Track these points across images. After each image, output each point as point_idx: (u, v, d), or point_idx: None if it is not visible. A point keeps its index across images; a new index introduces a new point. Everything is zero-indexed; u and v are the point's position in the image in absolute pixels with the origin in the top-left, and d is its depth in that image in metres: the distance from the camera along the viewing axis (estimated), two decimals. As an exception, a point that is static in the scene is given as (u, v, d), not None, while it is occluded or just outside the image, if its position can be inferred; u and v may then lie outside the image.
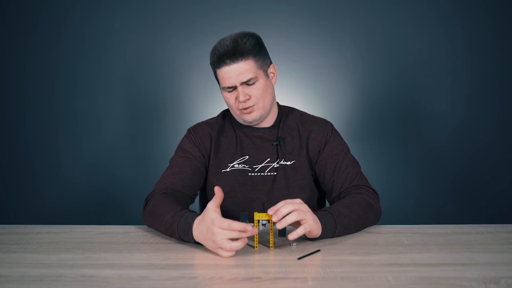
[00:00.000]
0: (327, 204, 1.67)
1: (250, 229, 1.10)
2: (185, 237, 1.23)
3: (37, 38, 2.78)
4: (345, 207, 1.35)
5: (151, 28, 2.79)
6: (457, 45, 2.74)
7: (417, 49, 2.75)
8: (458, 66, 2.75)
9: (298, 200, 1.21)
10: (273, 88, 1.56)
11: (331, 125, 1.61)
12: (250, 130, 1.58)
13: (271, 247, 1.21)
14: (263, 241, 1.28)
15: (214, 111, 1.75)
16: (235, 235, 1.11)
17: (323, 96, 2.80)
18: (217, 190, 1.15)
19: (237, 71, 1.44)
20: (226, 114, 1.65)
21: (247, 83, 1.46)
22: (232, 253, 1.13)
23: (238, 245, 1.11)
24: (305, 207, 1.20)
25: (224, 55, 1.44)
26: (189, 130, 1.62)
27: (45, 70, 2.79)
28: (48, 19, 2.78)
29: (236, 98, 1.48)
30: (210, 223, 1.13)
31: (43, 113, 2.81)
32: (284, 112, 1.62)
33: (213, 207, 1.14)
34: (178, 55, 2.79)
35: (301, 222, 1.19)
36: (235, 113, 1.53)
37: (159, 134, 2.82)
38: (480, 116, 2.75)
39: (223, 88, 1.49)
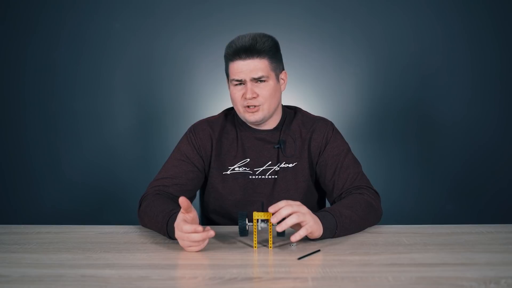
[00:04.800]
0: (328, 204, 1.67)
1: (205, 235, 1.17)
2: (174, 236, 1.26)
3: (37, 38, 2.78)
4: (346, 208, 1.35)
5: (151, 28, 2.78)
6: (457, 45, 2.74)
7: (417, 49, 2.75)
8: (458, 66, 2.74)
9: (298, 202, 1.21)
10: (281, 93, 1.55)
11: (332, 124, 1.60)
12: (252, 132, 1.57)
13: (270, 246, 1.21)
14: (262, 241, 1.28)
15: (214, 111, 1.75)
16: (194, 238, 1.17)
17: (323, 96, 2.80)
18: (181, 200, 1.17)
19: (250, 67, 1.44)
20: (228, 113, 1.64)
21: (257, 79, 1.45)
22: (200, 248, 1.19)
23: (194, 249, 1.18)
24: (304, 209, 1.20)
25: (240, 49, 1.43)
26: (190, 130, 1.60)
27: (45, 70, 2.79)
28: (48, 19, 2.78)
29: (243, 94, 1.47)
30: (176, 227, 1.20)
31: (43, 113, 2.80)
32: (288, 114, 1.61)
33: (181, 214, 1.19)
34: (178, 55, 2.79)
35: (302, 224, 1.19)
36: (239, 110, 1.51)
37: (159, 134, 2.82)
38: (480, 115, 2.75)
39: (231, 81, 1.48)
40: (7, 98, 2.81)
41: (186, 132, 1.61)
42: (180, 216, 1.19)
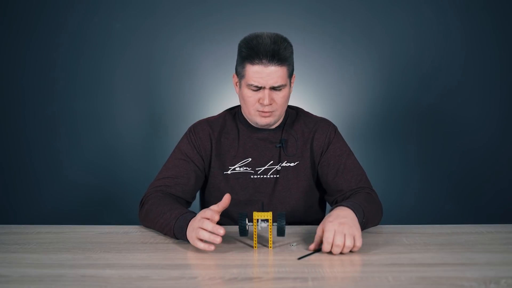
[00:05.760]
0: (327, 204, 1.67)
1: (216, 228, 1.14)
2: (179, 234, 1.26)
3: (37, 38, 2.78)
4: (366, 206, 1.34)
5: (151, 28, 2.78)
6: (457, 45, 2.74)
7: (417, 49, 2.75)
8: (457, 66, 2.75)
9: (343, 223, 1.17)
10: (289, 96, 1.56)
11: (334, 125, 1.61)
12: (253, 131, 1.56)
13: (270, 246, 1.21)
14: (262, 241, 1.28)
15: (214, 111, 1.75)
16: (208, 226, 1.14)
17: (323, 96, 2.80)
18: (226, 198, 1.18)
19: (271, 74, 1.41)
20: (229, 113, 1.63)
21: (275, 88, 1.44)
22: (207, 247, 1.15)
23: (203, 245, 1.15)
24: (350, 225, 1.17)
25: (263, 54, 1.40)
26: (189, 129, 1.60)
27: (45, 70, 2.79)
28: (48, 19, 2.78)
29: (259, 99, 1.45)
30: (199, 215, 1.19)
31: (43, 113, 2.80)
32: (290, 114, 1.62)
33: (214, 208, 1.18)
34: (178, 55, 2.79)
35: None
36: (250, 113, 1.50)
37: (159, 134, 2.82)
38: (480, 115, 2.75)
39: (249, 85, 1.45)
40: (7, 98, 2.81)
41: (186, 132, 1.61)
42: (209, 210, 1.19)
